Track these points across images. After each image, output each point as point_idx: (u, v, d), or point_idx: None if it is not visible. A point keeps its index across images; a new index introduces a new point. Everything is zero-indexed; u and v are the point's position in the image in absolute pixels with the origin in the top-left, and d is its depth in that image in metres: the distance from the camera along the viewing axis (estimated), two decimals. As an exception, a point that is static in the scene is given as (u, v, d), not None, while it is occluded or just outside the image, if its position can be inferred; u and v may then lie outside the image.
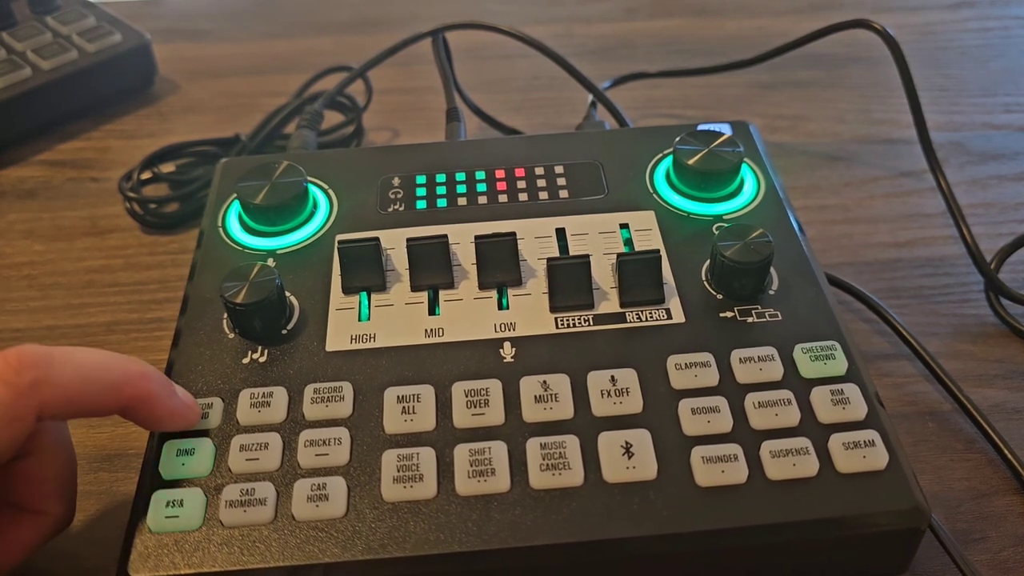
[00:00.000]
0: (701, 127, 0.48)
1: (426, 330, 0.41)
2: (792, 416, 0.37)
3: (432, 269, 0.43)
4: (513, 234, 0.42)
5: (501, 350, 0.40)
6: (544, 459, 0.36)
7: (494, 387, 0.38)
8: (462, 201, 0.47)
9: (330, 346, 0.41)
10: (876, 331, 0.49)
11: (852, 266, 0.53)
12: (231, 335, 0.41)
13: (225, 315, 0.42)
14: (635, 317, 0.41)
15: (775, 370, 0.38)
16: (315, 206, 0.47)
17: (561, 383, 0.38)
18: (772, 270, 0.42)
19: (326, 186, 0.48)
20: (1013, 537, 0.40)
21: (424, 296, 0.42)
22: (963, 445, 0.44)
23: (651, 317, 0.41)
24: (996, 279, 0.50)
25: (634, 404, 0.37)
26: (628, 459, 0.36)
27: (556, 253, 0.44)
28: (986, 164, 0.60)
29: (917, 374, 0.47)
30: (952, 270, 0.53)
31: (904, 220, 0.56)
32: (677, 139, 0.46)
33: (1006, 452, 0.42)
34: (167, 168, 0.60)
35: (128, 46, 0.67)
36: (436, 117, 0.56)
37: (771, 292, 0.42)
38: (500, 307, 0.42)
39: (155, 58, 0.69)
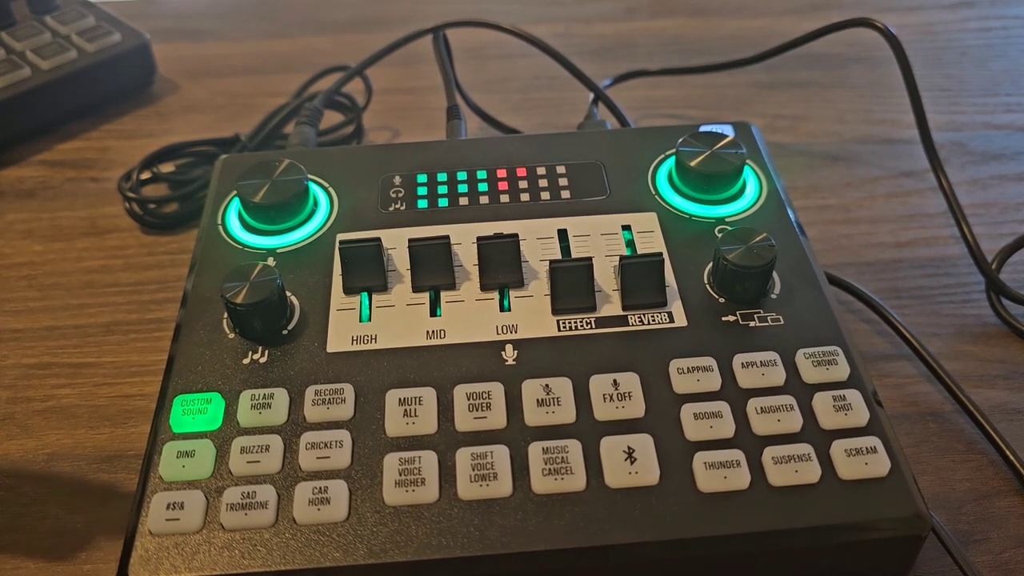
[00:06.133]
0: (703, 128, 0.48)
1: (427, 331, 0.41)
2: (794, 422, 0.37)
3: (434, 270, 0.42)
4: (516, 235, 0.42)
5: (503, 352, 0.40)
6: (546, 463, 0.36)
7: (496, 390, 0.38)
8: (463, 201, 0.47)
9: (331, 347, 0.40)
10: (877, 331, 0.49)
11: (853, 266, 0.53)
12: (231, 335, 0.41)
13: (225, 315, 0.42)
14: (637, 320, 0.41)
15: (777, 375, 0.38)
16: (316, 205, 0.47)
17: (563, 387, 0.38)
18: (774, 274, 0.42)
19: (327, 184, 0.48)
20: (1015, 538, 0.40)
21: (425, 297, 0.42)
22: (964, 446, 0.44)
23: (653, 320, 0.41)
24: (997, 279, 0.50)
25: (636, 408, 0.37)
26: (630, 464, 0.36)
27: (558, 254, 0.44)
28: (987, 164, 0.60)
29: (918, 375, 0.47)
30: (953, 270, 0.53)
31: (905, 220, 0.56)
32: (680, 140, 0.46)
33: (1007, 453, 0.42)
34: (166, 168, 0.60)
35: (127, 46, 0.67)
36: (436, 117, 0.56)
37: (773, 296, 0.42)
38: (502, 309, 0.42)
39: (154, 58, 0.69)
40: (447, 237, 0.42)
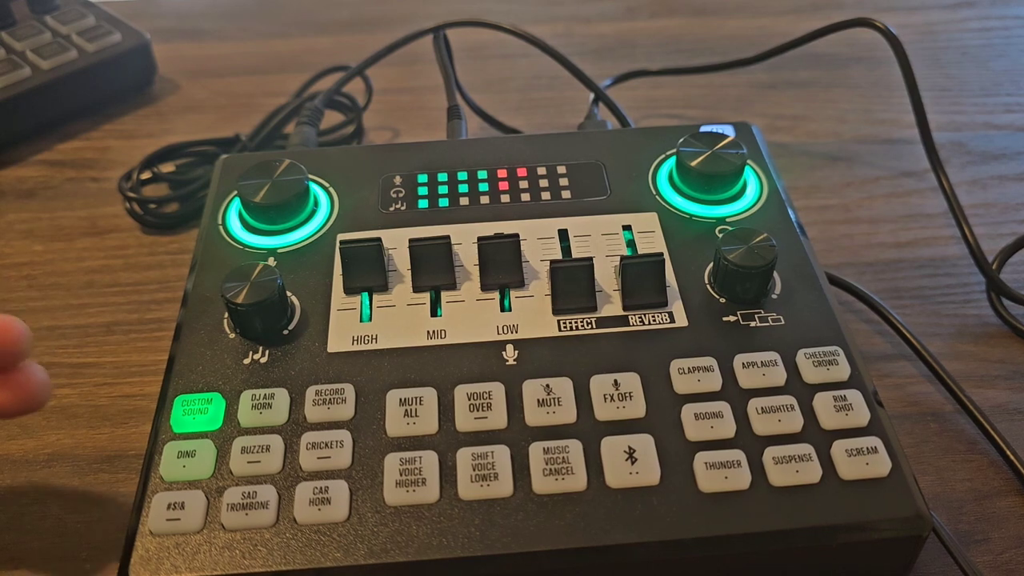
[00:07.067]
0: (704, 128, 0.48)
1: (428, 331, 0.41)
2: (795, 422, 0.37)
3: (434, 270, 0.42)
4: (516, 235, 0.42)
5: (504, 353, 0.40)
6: (547, 464, 0.36)
7: (496, 390, 0.38)
8: (464, 201, 0.47)
9: (332, 347, 0.40)
10: (877, 332, 0.49)
11: (853, 266, 0.53)
12: (232, 335, 0.41)
13: (226, 315, 0.42)
14: (638, 320, 0.41)
15: (778, 375, 0.38)
16: (316, 205, 0.47)
17: (564, 387, 0.38)
18: (775, 274, 0.42)
19: (327, 184, 0.48)
20: (1015, 538, 0.40)
21: (426, 297, 0.42)
22: (965, 446, 0.44)
23: (654, 321, 0.41)
24: (998, 279, 0.50)
25: (637, 409, 0.37)
26: (631, 464, 0.36)
27: (558, 254, 0.44)
28: (987, 164, 0.60)
29: (919, 375, 0.47)
30: (954, 270, 0.53)
31: (905, 220, 0.56)
32: (680, 141, 0.46)
33: (1008, 453, 0.42)
34: (167, 168, 0.60)
35: (128, 46, 0.67)
36: (437, 117, 0.56)
37: (774, 296, 0.41)
38: (502, 309, 0.42)
39: (155, 58, 0.69)
40: (447, 237, 0.42)
